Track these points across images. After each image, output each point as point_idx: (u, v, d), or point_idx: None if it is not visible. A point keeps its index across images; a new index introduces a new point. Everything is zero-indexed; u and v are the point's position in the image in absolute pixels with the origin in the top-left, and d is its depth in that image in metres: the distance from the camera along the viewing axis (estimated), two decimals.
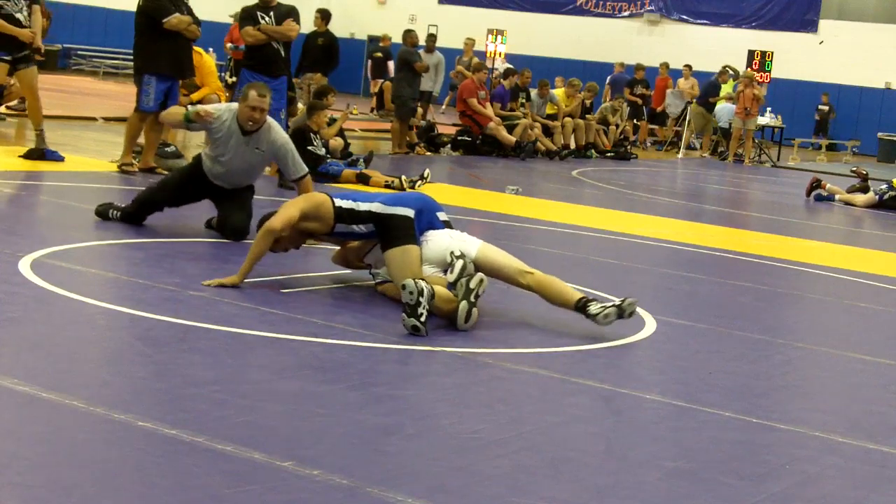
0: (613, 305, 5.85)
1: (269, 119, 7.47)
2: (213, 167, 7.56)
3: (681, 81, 25.45)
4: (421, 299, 5.41)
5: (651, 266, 8.76)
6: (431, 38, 19.14)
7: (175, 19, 10.37)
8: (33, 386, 4.06)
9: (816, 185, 16.31)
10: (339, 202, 6.25)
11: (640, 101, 24.24)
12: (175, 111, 7.97)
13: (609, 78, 25.43)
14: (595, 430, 4.36)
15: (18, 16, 10.73)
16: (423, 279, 5.60)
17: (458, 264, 5.81)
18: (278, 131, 7.52)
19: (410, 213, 6.13)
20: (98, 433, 3.71)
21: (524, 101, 19.41)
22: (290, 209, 6.19)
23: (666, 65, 25.20)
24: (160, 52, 10.40)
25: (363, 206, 6.21)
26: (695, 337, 6.24)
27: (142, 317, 5.28)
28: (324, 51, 13.58)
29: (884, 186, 15.98)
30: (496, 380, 4.95)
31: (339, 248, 6.64)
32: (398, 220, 6.10)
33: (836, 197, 15.99)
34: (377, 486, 3.46)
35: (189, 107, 7.62)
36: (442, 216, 6.32)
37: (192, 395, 4.19)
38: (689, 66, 25.45)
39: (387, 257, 6.07)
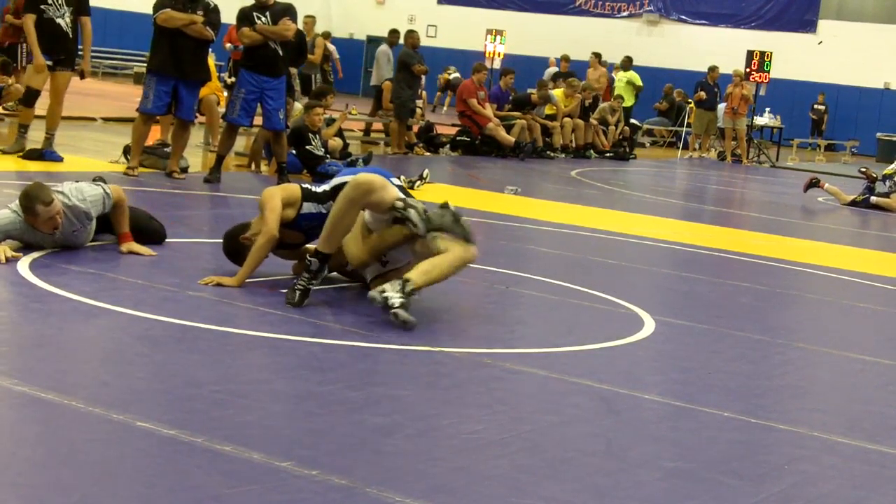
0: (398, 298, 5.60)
1: (62, 195, 6.46)
2: None
3: (590, 72, 23.43)
4: (385, 295, 5.45)
5: (650, 266, 8.75)
6: (394, 32, 19.04)
7: (165, 14, 10.25)
8: (32, 386, 4.06)
9: (815, 182, 16.31)
10: (304, 185, 6.47)
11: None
12: None
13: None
14: (594, 430, 4.35)
15: (60, 21, 10.70)
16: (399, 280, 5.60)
17: (412, 214, 5.77)
18: (73, 200, 6.47)
19: None
20: (97, 433, 3.70)
21: (528, 111, 19.34)
22: (272, 202, 6.17)
23: (629, 59, 24.41)
24: (159, 51, 10.36)
25: (322, 187, 6.39)
26: (694, 337, 6.24)
27: (141, 317, 5.28)
28: (296, 48, 13.72)
29: (887, 184, 15.97)
30: (496, 380, 4.95)
31: (299, 260, 6.59)
32: None
33: (873, 199, 15.87)
34: (376, 487, 3.46)
35: None
36: (395, 181, 6.35)
37: (191, 396, 4.19)
38: (597, 55, 23.75)
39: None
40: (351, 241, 6.01)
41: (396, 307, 5.43)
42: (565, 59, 23.88)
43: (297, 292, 5.76)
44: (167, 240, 7.08)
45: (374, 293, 5.52)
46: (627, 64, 24.03)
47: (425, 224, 5.76)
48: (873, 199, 15.85)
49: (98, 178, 6.87)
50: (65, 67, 10.86)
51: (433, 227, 5.79)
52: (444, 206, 5.88)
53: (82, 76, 11.09)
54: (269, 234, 6.10)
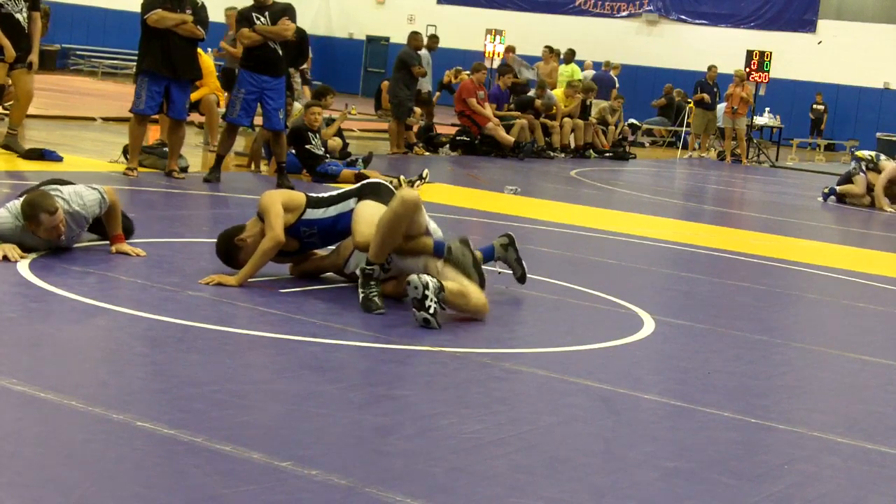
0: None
1: (63, 201, 6.34)
2: None
3: (540, 65, 22.36)
4: (427, 292, 5.50)
5: (649, 266, 8.75)
6: (433, 38, 19.11)
7: (156, 15, 10.25)
8: (32, 386, 4.06)
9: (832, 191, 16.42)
10: (311, 195, 6.50)
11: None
12: None
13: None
14: (593, 430, 4.36)
15: (18, 16, 10.69)
16: (428, 274, 5.67)
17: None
18: (74, 206, 6.40)
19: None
20: (97, 433, 3.71)
21: (529, 112, 19.35)
22: (275, 207, 6.18)
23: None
24: (150, 50, 10.36)
25: (337, 192, 6.43)
26: (693, 337, 6.24)
27: (140, 317, 5.28)
28: (296, 48, 13.76)
29: (853, 164, 16.24)
30: (495, 380, 4.95)
31: (295, 264, 6.59)
32: (383, 186, 6.38)
33: (837, 189, 16.15)
34: (375, 486, 3.46)
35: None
36: None
37: (191, 395, 4.19)
38: (549, 48, 22.97)
39: (359, 206, 6.18)
40: (365, 224, 6.07)
41: (430, 315, 5.52)
42: (510, 49, 22.99)
43: (375, 299, 5.81)
44: (166, 239, 7.08)
45: (415, 278, 5.54)
46: (570, 57, 23.59)
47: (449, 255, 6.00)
48: (838, 188, 16.09)
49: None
50: (23, 65, 10.84)
51: (452, 260, 5.99)
52: (466, 243, 6.06)
53: (30, 68, 10.95)
54: (276, 239, 6.11)
